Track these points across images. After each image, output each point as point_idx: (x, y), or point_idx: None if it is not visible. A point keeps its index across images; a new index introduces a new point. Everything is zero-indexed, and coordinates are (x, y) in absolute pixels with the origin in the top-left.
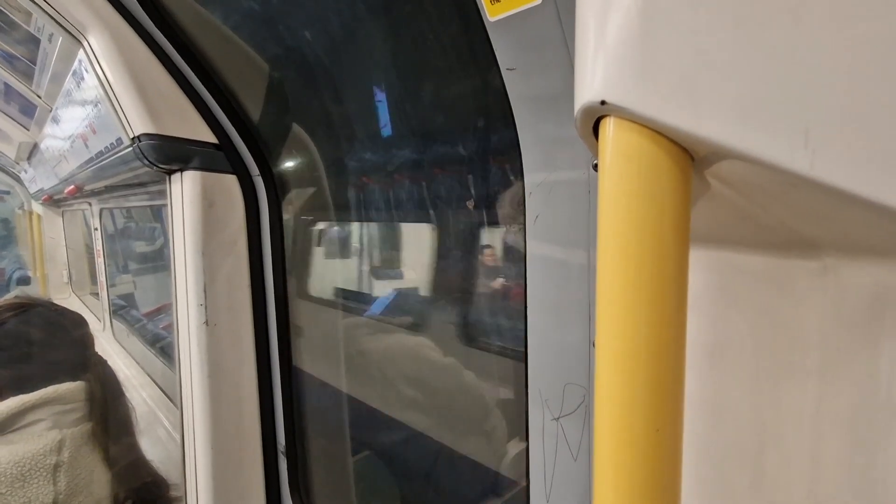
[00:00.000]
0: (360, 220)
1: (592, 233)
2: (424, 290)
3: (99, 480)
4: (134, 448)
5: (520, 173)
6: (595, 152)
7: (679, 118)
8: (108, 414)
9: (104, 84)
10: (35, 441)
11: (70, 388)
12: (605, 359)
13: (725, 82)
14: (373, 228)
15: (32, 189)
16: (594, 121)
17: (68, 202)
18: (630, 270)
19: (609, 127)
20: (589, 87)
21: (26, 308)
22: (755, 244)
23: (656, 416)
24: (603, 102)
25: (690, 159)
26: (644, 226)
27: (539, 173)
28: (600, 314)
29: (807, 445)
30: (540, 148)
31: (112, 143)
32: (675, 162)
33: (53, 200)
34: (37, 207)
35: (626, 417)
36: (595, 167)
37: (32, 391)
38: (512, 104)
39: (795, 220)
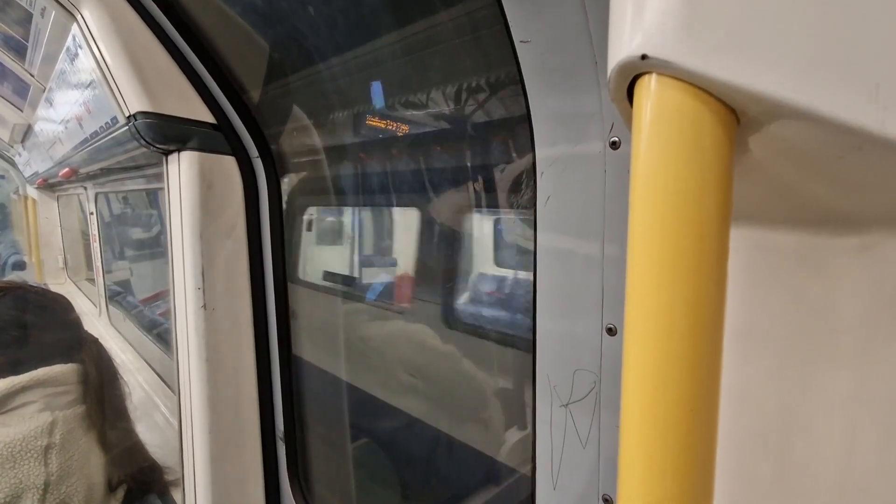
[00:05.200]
0: (361, 202)
1: (608, 214)
2: (420, 275)
3: (93, 463)
4: (130, 432)
5: (531, 152)
6: (627, 118)
7: (731, 72)
8: (103, 397)
9: (99, 60)
10: (26, 423)
11: (63, 370)
12: (636, 339)
13: (784, 32)
14: (375, 211)
15: (27, 173)
16: (629, 81)
17: (63, 186)
18: (667, 243)
19: (648, 85)
20: (627, 43)
21: (5, 292)
22: (787, 222)
23: (692, 397)
24: (644, 57)
25: (736, 122)
26: (685, 194)
27: (552, 152)
28: (631, 290)
29: (837, 434)
30: (553, 126)
31: (107, 123)
32: (720, 123)
33: (48, 184)
34: (32, 192)
35: (660, 399)
36: (612, 144)
37: (20, 373)
38: (525, 79)
39: (839, 192)
